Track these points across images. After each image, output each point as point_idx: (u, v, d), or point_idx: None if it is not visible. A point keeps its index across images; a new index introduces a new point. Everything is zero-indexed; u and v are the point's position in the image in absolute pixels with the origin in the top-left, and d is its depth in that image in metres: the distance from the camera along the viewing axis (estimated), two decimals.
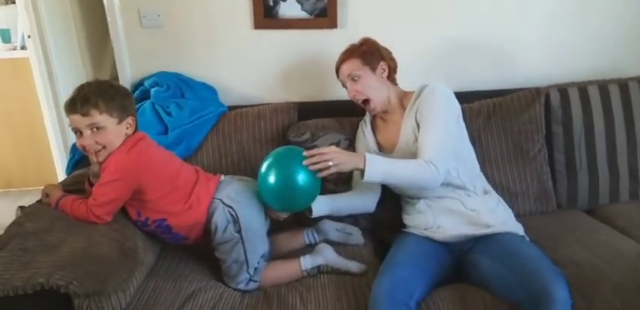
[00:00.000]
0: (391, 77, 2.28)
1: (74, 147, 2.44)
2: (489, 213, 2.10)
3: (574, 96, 2.61)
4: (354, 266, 2.09)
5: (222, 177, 2.17)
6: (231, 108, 2.66)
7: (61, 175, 3.59)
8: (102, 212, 1.88)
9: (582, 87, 2.62)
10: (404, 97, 2.26)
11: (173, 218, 1.99)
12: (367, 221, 2.43)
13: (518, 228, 2.12)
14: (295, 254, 2.16)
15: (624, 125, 2.60)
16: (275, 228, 2.24)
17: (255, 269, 2.01)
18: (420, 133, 2.08)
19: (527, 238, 2.11)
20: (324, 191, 2.09)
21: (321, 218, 2.24)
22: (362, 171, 1.91)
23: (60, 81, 3.61)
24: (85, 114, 1.83)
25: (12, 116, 4.28)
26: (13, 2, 4.37)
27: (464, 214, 2.10)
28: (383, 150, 2.28)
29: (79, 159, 2.45)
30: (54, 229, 1.82)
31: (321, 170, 1.88)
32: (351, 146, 2.44)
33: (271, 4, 2.63)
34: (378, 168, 1.92)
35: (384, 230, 2.39)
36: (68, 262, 1.64)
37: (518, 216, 2.26)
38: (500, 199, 2.25)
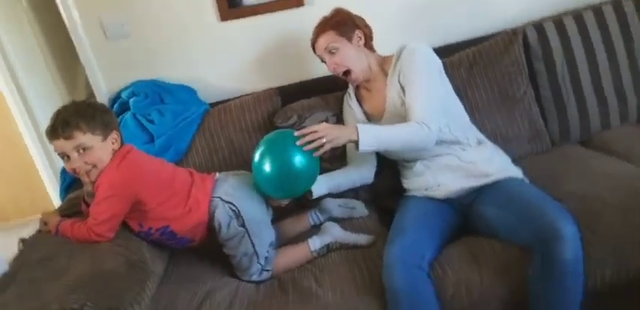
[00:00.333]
0: (368, 44, 2.26)
1: (63, 171, 2.44)
2: (486, 163, 2.10)
3: (550, 30, 2.57)
4: (362, 238, 2.10)
5: (217, 174, 2.17)
6: (213, 104, 2.65)
7: (57, 201, 3.59)
8: (103, 229, 1.88)
9: (557, 20, 2.59)
10: (384, 62, 2.25)
11: (175, 223, 2.00)
12: (367, 192, 2.43)
13: (516, 172, 2.12)
14: (303, 237, 2.17)
15: (604, 49, 2.58)
16: (278, 214, 2.25)
17: (266, 258, 2.01)
18: (407, 95, 2.08)
19: (527, 180, 2.11)
20: (320, 171, 2.08)
21: (322, 197, 2.24)
22: (356, 143, 1.90)
23: (36, 108, 3.59)
24: (68, 138, 1.83)
25: None
26: None
27: (462, 168, 2.10)
28: (372, 118, 2.27)
29: (70, 183, 2.44)
30: (58, 255, 1.83)
31: (316, 149, 1.87)
32: (339, 121, 2.42)
33: None
34: (372, 137, 1.91)
35: (386, 198, 2.39)
36: (78, 285, 1.64)
37: (516, 160, 2.26)
38: (496, 147, 2.25)
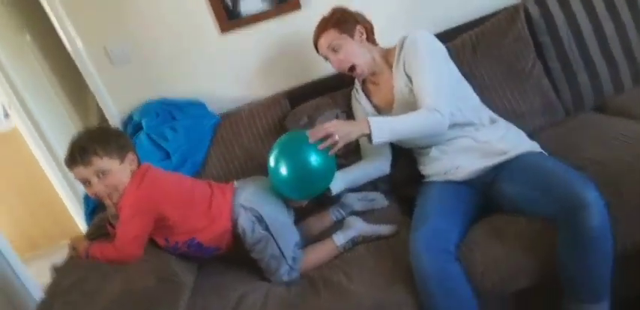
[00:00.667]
0: (370, 38, 2.27)
1: (86, 197, 2.49)
2: (502, 140, 2.09)
3: (552, 2, 2.56)
4: (385, 229, 2.10)
5: (236, 183, 2.19)
6: (224, 115, 2.67)
7: (83, 226, 3.64)
8: (131, 248, 1.91)
9: None
10: (387, 54, 2.25)
11: (201, 234, 2.01)
12: (386, 183, 2.42)
13: (533, 146, 2.11)
14: (327, 234, 2.16)
15: (608, 13, 2.55)
16: (300, 214, 2.26)
17: (293, 258, 2.02)
18: (414, 84, 2.08)
19: (546, 153, 2.09)
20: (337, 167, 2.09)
21: (341, 193, 2.25)
22: (369, 136, 1.90)
23: (52, 139, 3.68)
24: (87, 164, 1.86)
25: (18, 183, 4.35)
26: None
27: (478, 148, 2.09)
28: (382, 111, 2.28)
29: (94, 208, 2.49)
30: (91, 278, 1.85)
31: (330, 147, 1.87)
32: (350, 118, 2.43)
33: (230, 5, 2.62)
34: (384, 128, 1.91)
35: (405, 186, 2.39)
36: (114, 305, 1.68)
37: (532, 135, 2.25)
38: (509, 123, 2.24)
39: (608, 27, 2.55)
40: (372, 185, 2.39)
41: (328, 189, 2.13)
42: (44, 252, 4.51)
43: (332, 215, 2.30)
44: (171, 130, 2.54)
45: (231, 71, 2.76)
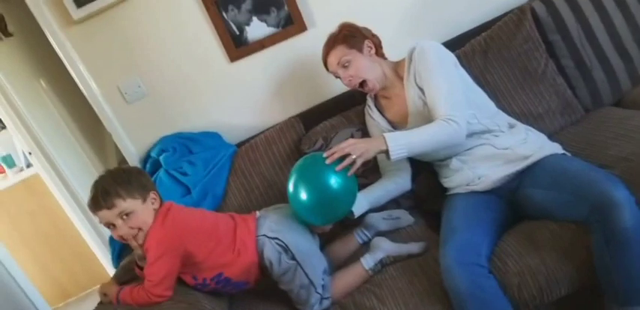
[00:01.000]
0: (379, 53, 2.26)
1: (112, 240, 2.48)
2: (522, 145, 2.05)
3: (558, 0, 2.53)
4: (414, 247, 2.07)
5: (258, 213, 2.17)
6: (240, 144, 2.67)
7: (111, 270, 3.67)
8: (161, 290, 1.89)
9: None
10: (397, 67, 2.23)
11: (228, 269, 1.99)
12: (409, 199, 2.38)
13: (556, 148, 2.06)
14: (355, 257, 2.13)
15: (616, 6, 2.51)
16: (324, 239, 2.23)
17: (323, 286, 1.98)
18: (427, 95, 2.06)
19: (569, 153, 2.06)
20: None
21: (364, 214, 2.20)
22: (386, 152, 1.88)
23: (73, 182, 3.71)
24: (111, 207, 1.86)
25: (44, 231, 4.37)
26: (4, 128, 4.52)
27: (499, 155, 2.05)
28: (397, 126, 2.25)
29: (120, 250, 2.48)
30: None
31: (349, 168, 1.85)
32: (365, 135, 2.41)
33: (237, 32, 2.62)
34: (401, 143, 1.89)
35: (429, 201, 2.35)
36: None
37: (552, 136, 2.23)
38: (528, 127, 2.20)
39: (618, 19, 2.51)
40: (395, 202, 2.35)
41: (351, 212, 2.08)
42: (75, 300, 4.56)
43: (357, 237, 2.27)
44: (189, 164, 2.54)
45: (243, 99, 2.76)
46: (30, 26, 2.94)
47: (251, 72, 2.72)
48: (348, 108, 2.55)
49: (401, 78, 2.20)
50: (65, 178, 3.71)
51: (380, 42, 2.28)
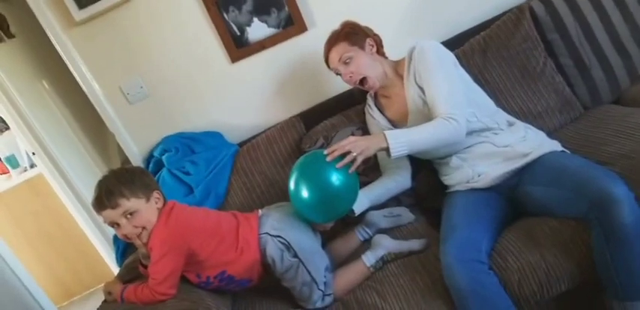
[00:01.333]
0: (380, 51, 2.27)
1: (116, 239, 2.50)
2: (522, 143, 2.07)
3: None
4: (415, 244, 2.08)
5: (260, 211, 2.18)
6: (242, 143, 2.68)
7: (115, 269, 3.69)
8: (165, 288, 1.90)
9: None
10: (397, 66, 2.24)
11: (231, 266, 2.01)
12: (409, 196, 2.40)
13: (555, 146, 2.07)
14: (356, 255, 2.14)
15: (614, 4, 2.52)
16: (326, 237, 2.24)
17: (325, 283, 2.00)
18: (427, 94, 2.07)
19: (568, 151, 2.07)
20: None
21: (365, 211, 2.22)
22: (387, 150, 1.89)
23: (77, 182, 3.73)
24: (115, 207, 1.88)
25: (48, 230, 4.40)
26: (7, 128, 4.55)
27: (498, 153, 2.06)
28: (397, 124, 2.26)
29: (124, 249, 2.50)
30: None
31: (350, 165, 1.86)
32: (365, 134, 2.41)
33: (238, 33, 2.63)
34: (401, 140, 1.90)
35: (429, 198, 2.37)
36: None
37: (552, 133, 2.23)
38: (527, 125, 2.21)
39: (616, 18, 2.51)
40: (396, 200, 2.36)
41: (352, 211, 2.09)
42: (79, 299, 4.58)
43: (358, 235, 2.28)
44: (191, 164, 2.56)
45: (244, 99, 2.77)
46: (32, 27, 2.95)
47: (252, 72, 2.73)
48: (348, 108, 2.56)
49: (401, 78, 2.21)
50: (69, 178, 3.73)
51: (381, 41, 2.29)
